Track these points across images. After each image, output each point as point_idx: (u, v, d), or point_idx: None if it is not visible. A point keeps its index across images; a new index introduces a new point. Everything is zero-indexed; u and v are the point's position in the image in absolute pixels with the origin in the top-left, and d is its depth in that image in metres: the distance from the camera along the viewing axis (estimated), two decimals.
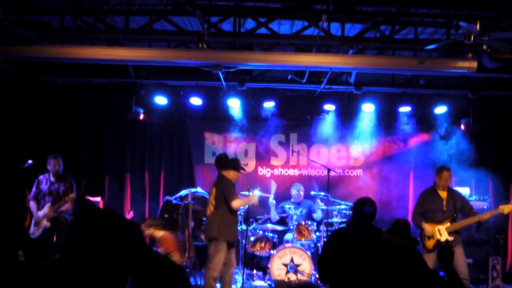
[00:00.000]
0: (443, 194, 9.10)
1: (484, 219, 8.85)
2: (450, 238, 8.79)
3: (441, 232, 8.79)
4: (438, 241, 8.80)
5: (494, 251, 11.14)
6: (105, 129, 12.50)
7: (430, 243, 8.90)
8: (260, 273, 10.99)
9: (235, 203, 8.74)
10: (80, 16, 9.03)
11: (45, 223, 10.01)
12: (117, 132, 12.51)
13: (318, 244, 10.58)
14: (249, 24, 9.43)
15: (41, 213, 10.05)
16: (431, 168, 12.15)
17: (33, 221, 10.23)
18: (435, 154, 12.30)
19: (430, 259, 8.70)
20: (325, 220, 10.62)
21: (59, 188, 10.21)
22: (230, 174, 8.92)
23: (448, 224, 8.84)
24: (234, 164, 9.06)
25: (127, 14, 9.05)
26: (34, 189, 10.27)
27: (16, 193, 11.50)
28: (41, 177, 10.34)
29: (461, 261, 8.84)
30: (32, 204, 10.19)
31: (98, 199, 11.77)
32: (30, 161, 10.22)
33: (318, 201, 11.24)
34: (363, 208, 6.19)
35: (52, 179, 10.25)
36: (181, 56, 9.42)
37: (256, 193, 10.50)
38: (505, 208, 8.80)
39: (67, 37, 9.59)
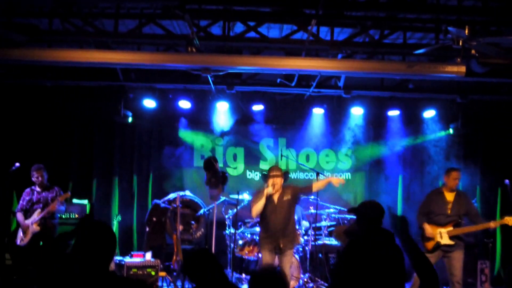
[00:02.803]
0: (450, 196, 9.06)
1: (487, 228, 8.86)
2: (451, 243, 8.78)
3: (442, 235, 8.80)
4: (438, 243, 8.80)
5: (483, 255, 11.18)
6: (94, 132, 12.46)
7: (429, 244, 8.90)
8: (249, 277, 10.95)
9: (252, 211, 8.93)
10: (69, 19, 8.99)
11: (34, 228, 10.00)
12: (106, 135, 12.46)
13: (306, 248, 10.56)
14: (238, 28, 9.42)
15: (29, 221, 10.05)
16: (419, 172, 12.24)
17: (19, 231, 10.19)
18: (424, 158, 12.37)
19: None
20: (313, 225, 10.60)
21: (47, 196, 10.23)
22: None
23: (451, 228, 8.83)
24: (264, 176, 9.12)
25: (116, 18, 9.00)
26: (21, 201, 10.29)
27: (3, 196, 11.43)
28: (27, 189, 10.35)
29: (457, 265, 8.84)
30: (19, 215, 10.19)
31: (86, 202, 11.73)
32: (17, 164, 10.20)
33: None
34: (370, 210, 5.85)
35: (38, 189, 10.27)
36: (170, 59, 9.42)
37: (245, 197, 10.54)
38: (510, 220, 8.72)
39: (56, 40, 9.55)
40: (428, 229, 8.90)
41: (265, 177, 8.96)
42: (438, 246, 8.80)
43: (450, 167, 9.64)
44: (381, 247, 5.51)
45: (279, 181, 8.84)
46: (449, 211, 8.91)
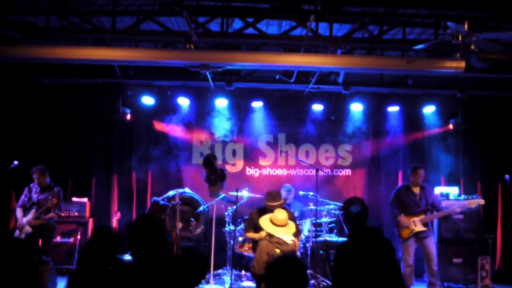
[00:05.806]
0: (417, 190, 9.88)
1: (455, 212, 9.94)
2: (424, 229, 9.54)
3: (416, 223, 9.57)
4: (413, 231, 9.54)
5: (483, 251, 11.14)
6: (92, 130, 12.40)
7: (405, 233, 9.61)
8: (249, 274, 10.90)
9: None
10: (66, 17, 8.96)
11: (27, 228, 10.03)
12: (104, 133, 12.40)
13: (307, 245, 10.52)
14: (237, 24, 9.39)
15: (24, 220, 10.09)
16: None
17: (17, 229, 10.23)
18: (424, 154, 12.33)
19: (407, 247, 9.61)
20: (314, 221, 10.56)
21: (46, 197, 10.25)
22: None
23: (423, 216, 9.60)
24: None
25: (113, 15, 8.98)
26: (22, 197, 10.39)
27: (1, 195, 11.42)
28: (31, 185, 10.43)
29: (432, 249, 9.60)
30: (19, 211, 10.28)
31: (85, 200, 11.71)
32: (15, 162, 10.20)
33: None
34: (350, 208, 5.74)
35: (38, 189, 10.31)
36: (168, 56, 9.39)
37: (245, 193, 10.51)
38: (472, 203, 9.67)
39: (53, 37, 9.50)
40: (403, 219, 9.67)
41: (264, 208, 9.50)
42: (412, 233, 9.56)
43: (415, 165, 10.27)
44: (368, 248, 5.35)
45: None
46: (419, 202, 9.75)
